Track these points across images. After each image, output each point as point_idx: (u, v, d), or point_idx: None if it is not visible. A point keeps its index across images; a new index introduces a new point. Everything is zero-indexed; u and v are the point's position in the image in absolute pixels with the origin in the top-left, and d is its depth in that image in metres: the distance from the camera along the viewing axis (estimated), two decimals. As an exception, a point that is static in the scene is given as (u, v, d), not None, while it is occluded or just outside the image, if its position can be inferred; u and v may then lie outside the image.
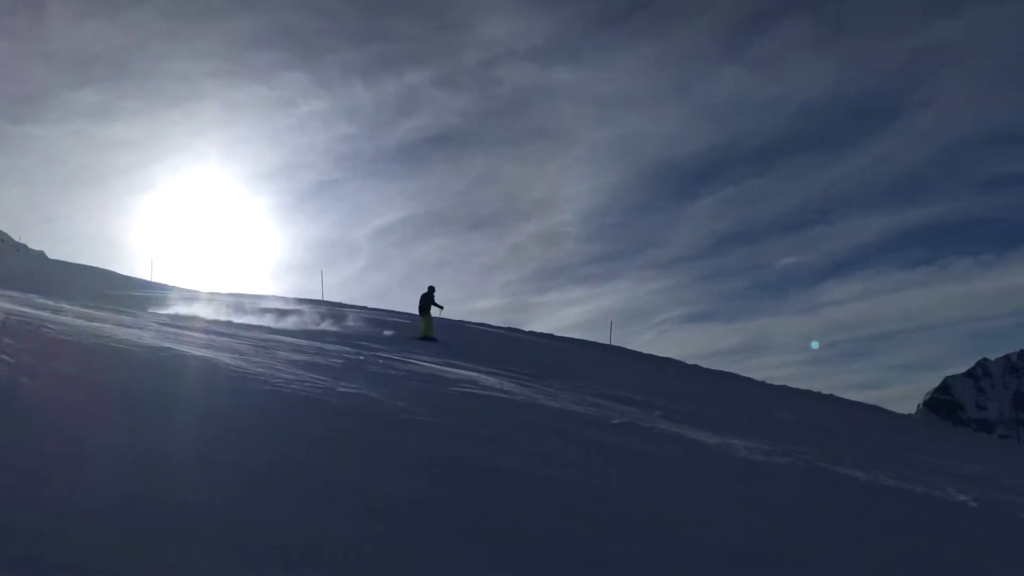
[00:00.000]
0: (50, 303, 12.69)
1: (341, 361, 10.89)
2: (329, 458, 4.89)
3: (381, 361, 11.93)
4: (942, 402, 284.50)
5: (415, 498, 4.29)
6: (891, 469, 9.39)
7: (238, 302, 27.91)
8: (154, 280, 41.66)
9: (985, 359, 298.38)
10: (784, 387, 26.57)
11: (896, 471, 9.26)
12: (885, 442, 14.72)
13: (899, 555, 5.34)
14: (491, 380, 11.58)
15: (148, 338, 9.25)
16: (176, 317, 16.60)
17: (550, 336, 30.14)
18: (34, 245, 56.69)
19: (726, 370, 28.89)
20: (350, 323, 23.68)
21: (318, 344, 13.65)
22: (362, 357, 12.17)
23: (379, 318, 26.87)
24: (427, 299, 22.09)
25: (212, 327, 14.43)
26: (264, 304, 28.44)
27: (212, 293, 34.15)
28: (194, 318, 17.43)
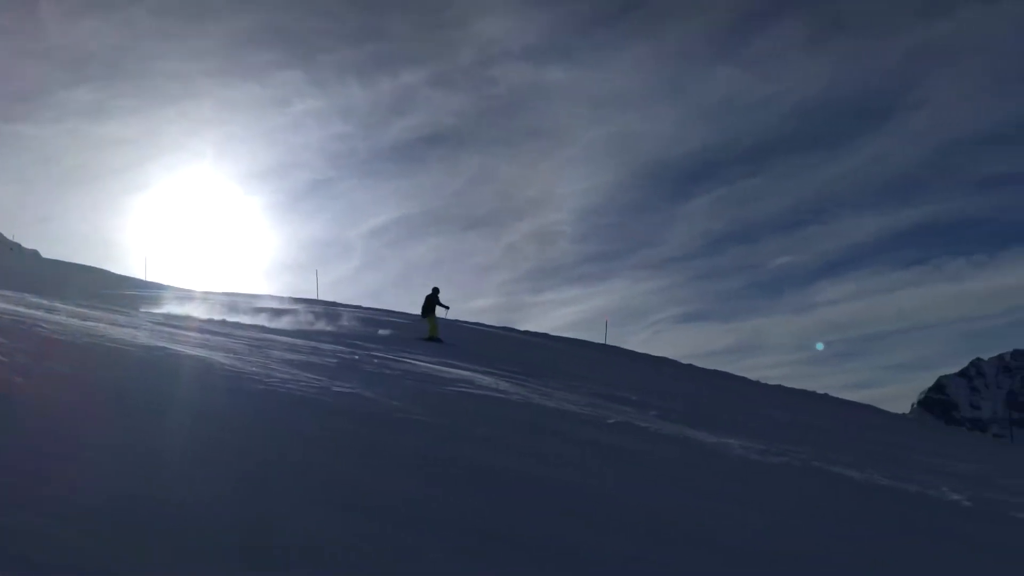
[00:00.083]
0: (44, 302, 12.63)
1: (336, 360, 10.88)
2: (324, 458, 4.88)
3: (376, 360, 11.92)
4: (936, 401, 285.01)
5: (410, 498, 4.29)
6: (885, 468, 9.43)
7: (233, 301, 27.89)
8: (148, 279, 41.61)
9: (979, 359, 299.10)
10: (779, 387, 26.62)
11: (890, 470, 9.30)
12: (879, 441, 14.78)
13: (893, 554, 5.35)
14: (487, 380, 11.57)
15: (142, 337, 9.23)
16: (170, 316, 16.57)
17: (545, 335, 30.19)
18: (28, 244, 56.78)
19: (721, 370, 29.01)
20: (345, 322, 23.67)
21: (313, 343, 13.63)
22: (357, 356, 12.15)
23: (374, 317, 26.87)
24: (431, 300, 22.08)
25: (207, 326, 14.43)
26: (259, 303, 28.44)
27: (206, 292, 34.13)
28: (188, 317, 17.41)
